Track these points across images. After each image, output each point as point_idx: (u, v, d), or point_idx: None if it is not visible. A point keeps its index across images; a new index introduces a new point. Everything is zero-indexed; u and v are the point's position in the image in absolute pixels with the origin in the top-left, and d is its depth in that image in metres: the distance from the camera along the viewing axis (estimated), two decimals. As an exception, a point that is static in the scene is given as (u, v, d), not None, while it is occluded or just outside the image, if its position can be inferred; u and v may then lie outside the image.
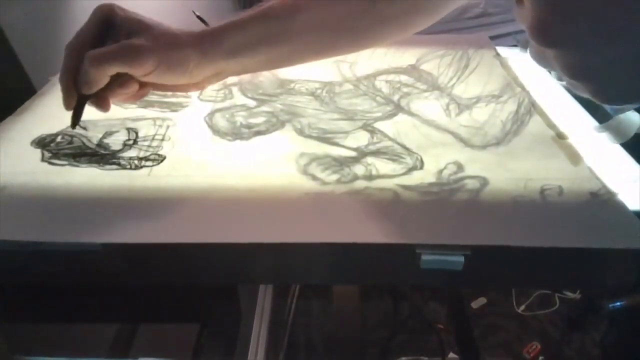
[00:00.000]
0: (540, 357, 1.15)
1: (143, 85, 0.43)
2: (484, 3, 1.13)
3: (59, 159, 0.49)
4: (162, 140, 0.53)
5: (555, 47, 0.24)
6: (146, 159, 0.49)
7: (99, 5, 0.41)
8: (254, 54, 0.44)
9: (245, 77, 0.65)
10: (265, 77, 0.66)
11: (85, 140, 0.52)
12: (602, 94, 0.25)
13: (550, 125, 0.55)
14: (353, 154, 0.50)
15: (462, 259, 0.38)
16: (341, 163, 0.48)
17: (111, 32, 0.41)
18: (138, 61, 0.39)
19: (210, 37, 0.42)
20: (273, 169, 0.48)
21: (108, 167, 0.48)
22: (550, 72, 0.71)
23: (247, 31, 0.43)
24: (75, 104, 0.41)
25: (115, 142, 0.52)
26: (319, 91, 0.63)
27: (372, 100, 0.61)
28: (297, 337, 1.11)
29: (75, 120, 0.42)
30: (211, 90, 0.62)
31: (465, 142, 0.52)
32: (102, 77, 0.39)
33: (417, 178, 0.46)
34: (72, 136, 0.53)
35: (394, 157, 0.49)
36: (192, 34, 0.42)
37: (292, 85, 0.64)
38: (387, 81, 0.66)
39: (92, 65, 0.38)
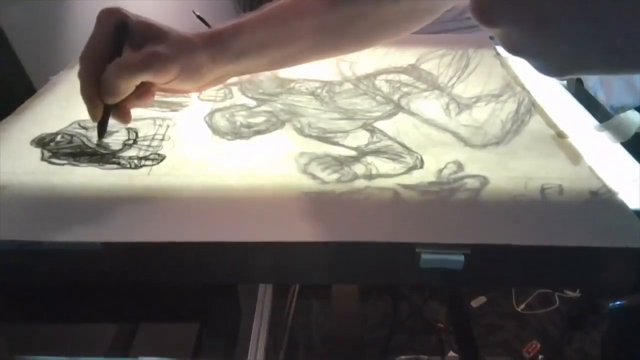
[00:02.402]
0: (540, 356, 1.15)
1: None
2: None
3: (58, 158, 0.49)
4: (162, 139, 0.53)
5: (493, 27, 0.25)
6: (146, 158, 0.49)
7: (106, 10, 0.40)
8: (260, 56, 0.44)
9: (245, 76, 0.65)
10: (265, 76, 0.66)
11: (85, 140, 0.52)
12: (541, 69, 0.27)
13: (551, 124, 0.55)
14: (353, 153, 0.50)
15: (462, 258, 0.38)
16: (341, 162, 0.48)
17: (123, 38, 0.40)
18: (164, 70, 0.39)
19: (219, 41, 0.42)
20: (273, 168, 0.48)
21: (108, 166, 0.48)
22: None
23: (255, 34, 0.43)
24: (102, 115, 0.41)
25: (115, 141, 0.52)
26: (318, 90, 0.63)
27: (372, 99, 0.61)
28: (297, 337, 1.11)
29: (102, 131, 0.42)
30: (211, 90, 0.62)
31: (465, 142, 0.52)
32: (129, 87, 0.39)
33: (417, 177, 0.46)
34: (72, 135, 0.53)
35: (394, 157, 0.49)
36: (201, 37, 0.41)
37: (292, 84, 0.64)
38: (387, 80, 0.66)
39: (120, 75, 0.38)
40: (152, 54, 0.39)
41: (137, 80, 0.39)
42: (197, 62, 0.41)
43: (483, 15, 0.25)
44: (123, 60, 0.38)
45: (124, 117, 0.42)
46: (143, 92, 0.42)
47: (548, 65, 0.26)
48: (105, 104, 0.40)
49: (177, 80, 0.41)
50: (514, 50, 0.26)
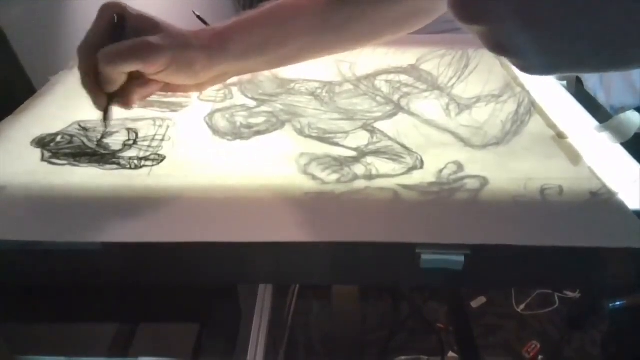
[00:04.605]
0: (540, 357, 1.15)
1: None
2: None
3: (58, 158, 0.49)
4: (162, 140, 0.53)
5: (476, 24, 0.24)
6: (146, 159, 0.49)
7: (107, 3, 0.41)
8: (259, 55, 0.44)
9: (245, 77, 0.65)
10: (265, 77, 0.66)
11: (85, 140, 0.52)
12: (526, 67, 0.26)
13: (550, 125, 0.55)
14: (353, 153, 0.50)
15: (462, 258, 0.38)
16: (341, 163, 0.48)
17: (121, 31, 0.41)
18: (152, 58, 0.39)
19: (218, 40, 0.42)
20: (273, 169, 0.48)
21: (108, 167, 0.48)
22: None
23: (254, 35, 0.43)
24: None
25: (115, 142, 0.52)
26: (319, 91, 0.63)
27: (372, 100, 0.61)
28: (297, 337, 1.11)
29: (106, 118, 0.42)
30: (211, 90, 0.62)
31: (465, 142, 0.52)
32: (118, 74, 0.39)
33: (417, 178, 0.46)
34: (72, 136, 0.53)
35: (394, 157, 0.49)
36: (199, 36, 0.42)
37: (292, 85, 0.64)
38: (387, 81, 0.66)
39: (107, 62, 0.38)
40: (139, 42, 0.39)
41: (124, 68, 0.39)
42: (190, 57, 0.41)
43: (465, 11, 0.24)
44: (110, 47, 0.39)
45: (127, 104, 0.42)
46: (142, 83, 0.42)
47: (534, 63, 0.25)
48: (107, 93, 0.41)
49: (167, 72, 0.40)
50: (499, 48, 0.25)
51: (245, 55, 0.43)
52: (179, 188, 0.45)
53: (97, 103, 0.41)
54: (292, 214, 0.41)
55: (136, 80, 0.41)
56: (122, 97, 0.42)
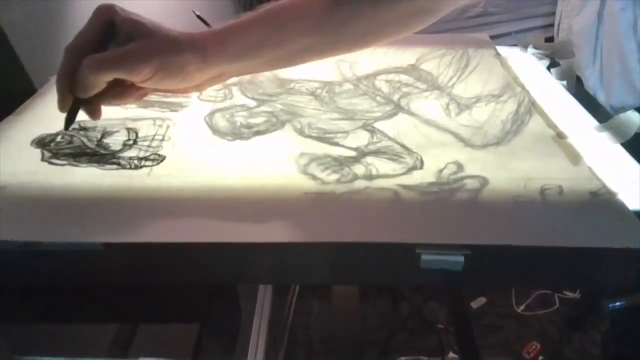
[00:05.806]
0: (540, 357, 1.15)
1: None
2: (484, 3, 1.13)
3: (58, 158, 0.49)
4: (162, 140, 0.53)
5: None
6: (146, 158, 0.49)
7: (100, 5, 0.40)
8: (257, 56, 0.44)
9: (245, 77, 0.65)
10: (265, 77, 0.66)
11: (85, 140, 0.52)
12: None
13: (550, 124, 0.55)
14: (353, 153, 0.50)
15: (462, 258, 0.38)
16: (341, 163, 0.48)
17: (112, 33, 0.41)
18: (136, 69, 0.39)
19: (214, 41, 0.42)
20: (273, 168, 0.48)
21: (108, 167, 0.48)
22: (550, 71, 0.71)
23: (251, 35, 0.42)
24: (70, 106, 0.41)
25: (115, 142, 0.52)
26: (318, 91, 0.63)
27: (372, 100, 0.61)
28: (296, 337, 1.11)
29: (69, 122, 0.42)
30: (211, 90, 0.62)
31: (465, 142, 0.52)
32: (99, 83, 0.39)
33: (417, 178, 0.46)
34: (72, 136, 0.53)
35: (394, 157, 0.49)
36: (193, 38, 0.41)
37: (292, 85, 0.64)
38: (387, 81, 0.66)
39: (90, 71, 0.38)
40: (123, 52, 0.39)
41: (107, 77, 0.39)
42: (181, 61, 0.40)
43: None
44: (96, 55, 0.38)
45: (94, 113, 0.42)
46: (120, 92, 0.42)
47: None
48: (76, 97, 0.40)
49: (154, 80, 0.40)
50: None
51: (242, 56, 0.43)
52: (179, 188, 0.45)
53: (63, 105, 0.41)
54: (292, 214, 0.41)
55: (112, 90, 0.41)
56: (91, 104, 0.42)
